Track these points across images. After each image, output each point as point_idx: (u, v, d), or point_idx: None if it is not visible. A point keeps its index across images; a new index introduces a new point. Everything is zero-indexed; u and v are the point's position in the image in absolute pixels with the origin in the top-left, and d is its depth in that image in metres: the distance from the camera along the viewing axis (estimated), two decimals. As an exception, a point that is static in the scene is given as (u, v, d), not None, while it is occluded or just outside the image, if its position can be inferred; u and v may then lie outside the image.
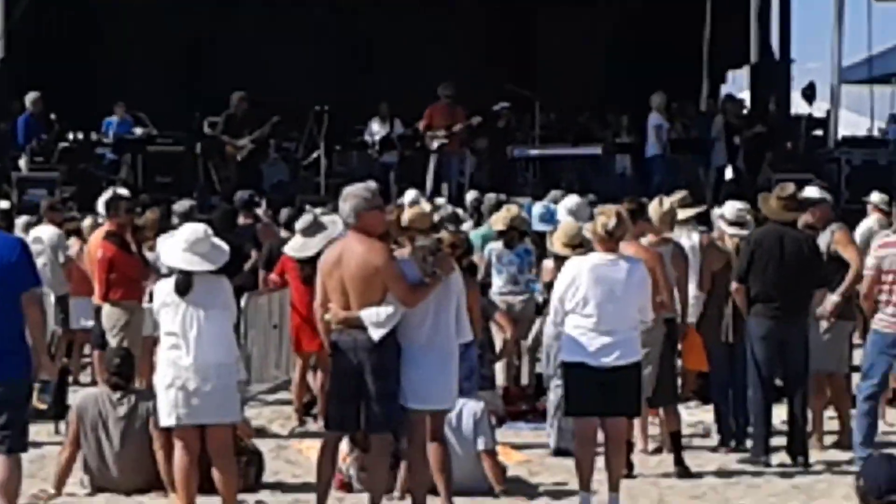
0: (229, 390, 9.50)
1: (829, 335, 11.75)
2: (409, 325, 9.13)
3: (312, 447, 10.23)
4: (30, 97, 22.64)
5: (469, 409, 10.25)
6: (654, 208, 11.94)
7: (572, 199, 15.02)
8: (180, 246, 9.50)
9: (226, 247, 9.73)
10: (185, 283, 9.34)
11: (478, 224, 15.59)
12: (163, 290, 9.50)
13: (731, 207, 12.84)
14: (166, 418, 9.39)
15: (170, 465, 9.59)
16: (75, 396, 11.38)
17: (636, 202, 11.60)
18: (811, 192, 12.58)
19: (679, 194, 13.09)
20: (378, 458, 9.49)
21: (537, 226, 14.70)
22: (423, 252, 9.33)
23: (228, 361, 9.51)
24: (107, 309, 13.23)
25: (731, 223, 12.51)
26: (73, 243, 15.22)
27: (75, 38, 26.17)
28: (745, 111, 24.11)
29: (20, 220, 15.43)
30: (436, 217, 10.33)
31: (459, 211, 16.31)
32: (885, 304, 10.96)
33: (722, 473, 11.29)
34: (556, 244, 11.45)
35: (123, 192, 15.71)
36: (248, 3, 26.57)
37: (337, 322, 9.14)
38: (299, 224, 12.98)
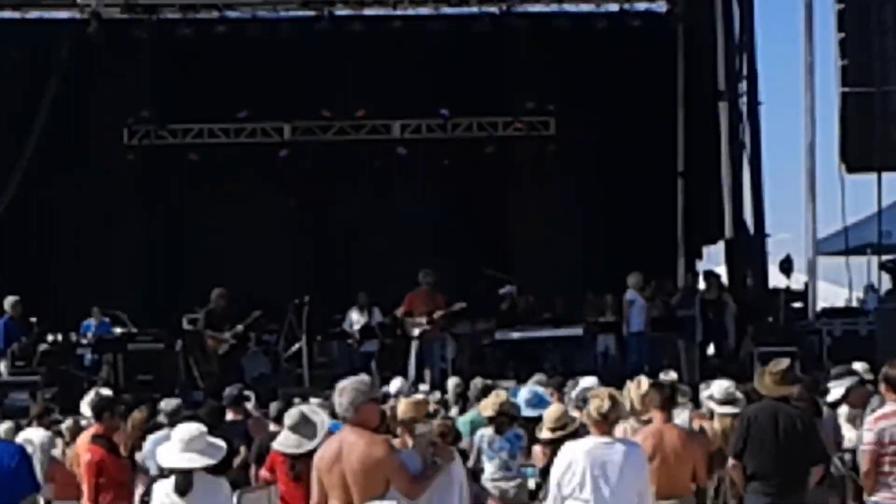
0: None
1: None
2: (412, 520, 9.09)
3: None
4: (9, 301, 22.63)
5: None
6: (632, 390, 11.98)
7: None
8: (177, 447, 9.51)
9: (222, 443, 9.75)
10: (184, 483, 9.33)
11: (463, 410, 15.49)
12: (161, 491, 9.47)
13: (718, 387, 12.88)
14: None
15: None
16: None
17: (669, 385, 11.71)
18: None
19: (670, 376, 13.14)
20: None
21: (526, 412, 14.62)
22: (425, 441, 9.33)
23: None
24: (97, 514, 13.12)
25: (721, 402, 12.54)
26: (58, 445, 15.10)
27: (46, 244, 26.21)
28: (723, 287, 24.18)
29: (3, 427, 15.25)
30: (431, 407, 10.29)
31: (448, 397, 16.23)
32: (888, 476, 10.86)
33: None
34: (543, 430, 11.42)
35: (107, 392, 15.67)
36: (222, 202, 26.63)
37: (338, 520, 9.09)
38: (288, 420, 12.89)
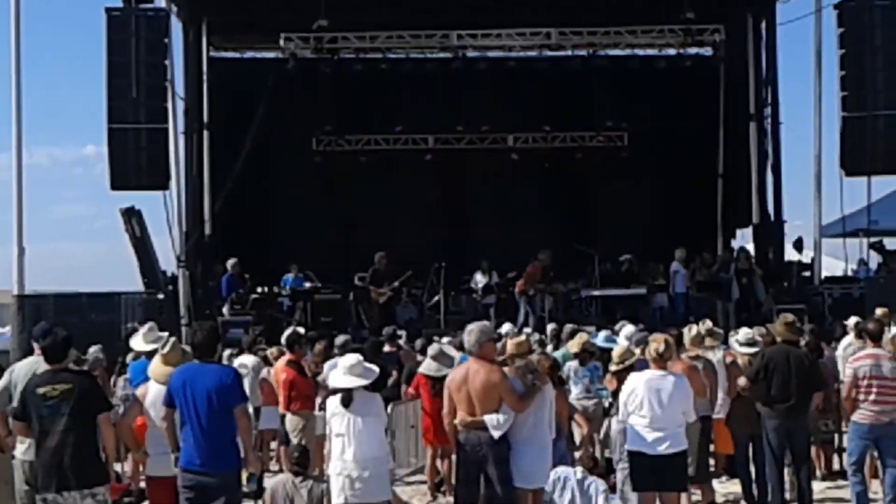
0: (383, 476, 9.56)
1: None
2: (516, 425, 9.13)
3: (444, 516, 10.19)
4: (230, 262, 23.01)
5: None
6: (685, 334, 11.97)
7: (629, 328, 14.99)
8: (342, 371, 9.63)
9: (375, 368, 9.85)
10: (347, 398, 9.45)
11: (556, 348, 15.51)
12: (332, 403, 9.62)
13: (743, 332, 12.82)
14: (336, 498, 9.41)
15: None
16: (268, 481, 11.39)
17: (678, 332, 11.61)
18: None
19: (707, 324, 13.05)
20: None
21: (602, 345, 14.59)
22: (524, 370, 9.37)
23: (382, 455, 9.59)
24: (289, 416, 13.30)
25: (743, 344, 12.46)
26: (263, 368, 15.32)
27: (258, 220, 26.53)
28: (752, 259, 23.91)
29: (225, 353, 15.50)
30: (529, 346, 10.28)
31: (544, 337, 16.23)
32: (862, 402, 10.84)
33: (749, 532, 11.13)
34: (612, 363, 11.42)
35: (301, 330, 15.84)
36: (383, 192, 26.78)
37: (465, 425, 9.14)
38: (430, 351, 13.02)
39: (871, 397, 10.84)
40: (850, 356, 11.72)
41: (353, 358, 9.87)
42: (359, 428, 9.41)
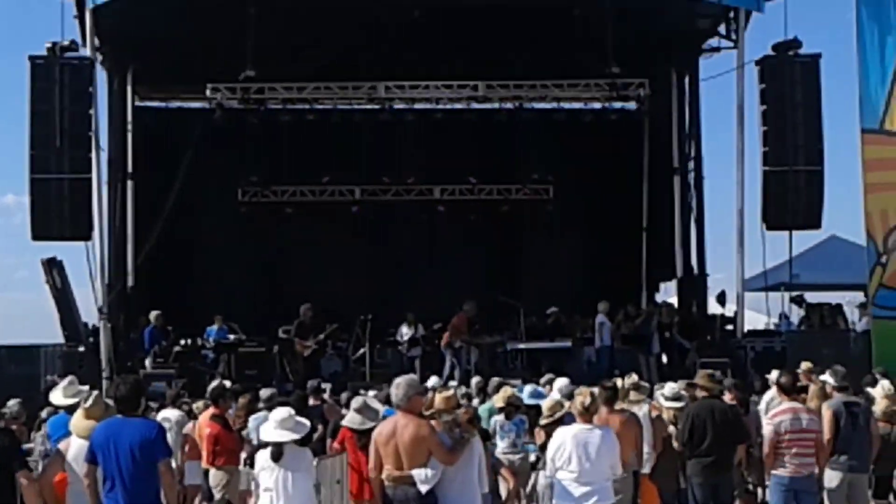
0: (312, 532, 9.49)
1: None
2: (444, 480, 9.10)
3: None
4: (153, 314, 22.78)
5: None
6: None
7: (561, 381, 15.06)
8: (273, 425, 9.58)
9: (306, 422, 9.82)
10: (278, 452, 9.39)
11: (482, 401, 15.49)
12: (262, 457, 9.57)
13: (669, 387, 12.91)
14: (264, 554, 9.34)
15: None
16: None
17: (612, 384, 11.68)
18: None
19: (633, 377, 13.15)
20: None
21: (528, 401, 14.61)
22: (451, 424, 9.36)
23: (310, 511, 9.52)
24: (213, 471, 13.17)
25: (669, 398, 12.55)
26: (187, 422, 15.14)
27: (181, 271, 26.32)
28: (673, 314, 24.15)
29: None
30: (456, 400, 10.28)
31: (471, 391, 16.21)
32: (784, 456, 10.99)
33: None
34: (543, 416, 11.44)
35: (227, 383, 15.69)
36: (309, 243, 26.73)
37: (392, 480, 9.10)
38: (354, 404, 12.93)
39: (793, 450, 11.00)
40: (769, 414, 11.85)
41: (284, 411, 9.84)
42: (288, 483, 9.38)
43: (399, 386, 9.29)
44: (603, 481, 9.81)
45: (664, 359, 23.28)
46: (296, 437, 9.58)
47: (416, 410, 9.21)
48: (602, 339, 22.97)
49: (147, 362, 21.94)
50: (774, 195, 22.73)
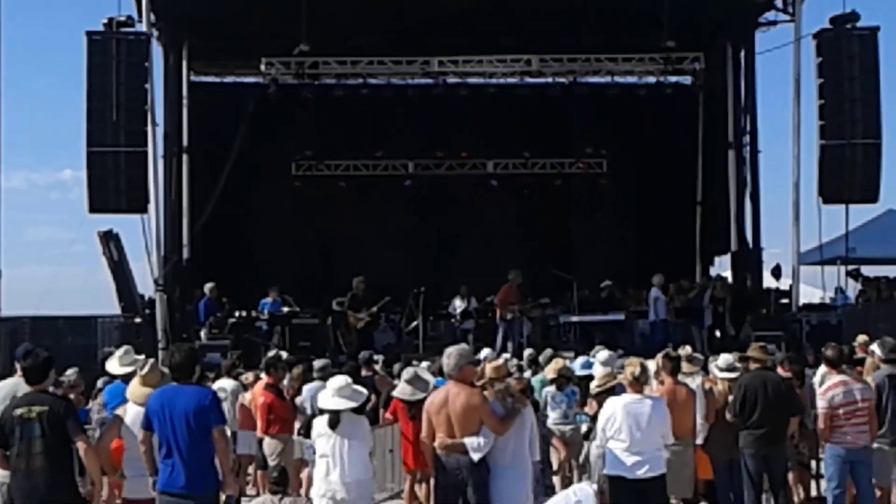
0: (367, 499, 9.57)
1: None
2: (496, 449, 9.12)
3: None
4: (208, 286, 22.95)
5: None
6: (658, 359, 12.00)
7: (604, 353, 15.03)
8: (330, 393, 9.63)
9: (363, 390, 9.87)
10: (335, 420, 9.45)
11: (535, 373, 15.51)
12: (319, 424, 9.62)
13: (723, 358, 12.84)
14: (321, 521, 9.42)
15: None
16: (248, 504, 11.36)
17: (676, 356, 11.68)
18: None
19: (686, 349, 13.10)
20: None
21: (579, 372, 14.62)
22: (503, 393, 9.36)
23: (367, 478, 9.59)
24: (267, 440, 13.29)
25: (723, 370, 12.49)
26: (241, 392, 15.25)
27: (236, 244, 26.48)
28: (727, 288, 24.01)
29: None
30: (508, 369, 10.27)
31: (522, 363, 16.21)
32: (839, 428, 10.93)
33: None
34: (594, 386, 11.44)
35: (282, 354, 15.80)
36: (362, 217, 26.81)
37: (444, 448, 9.13)
38: (405, 375, 13.00)
39: (849, 422, 10.94)
40: (821, 388, 11.76)
41: (341, 380, 9.90)
42: (345, 450, 9.43)
43: (451, 355, 9.31)
44: (654, 451, 9.78)
45: (717, 333, 23.18)
46: (353, 405, 9.63)
47: (467, 380, 9.23)
48: (656, 312, 22.87)
49: (202, 333, 22.13)
50: (831, 169, 22.54)
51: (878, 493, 11.35)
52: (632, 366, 10.02)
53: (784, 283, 24.69)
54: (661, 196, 27.06)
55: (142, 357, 11.05)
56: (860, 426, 10.97)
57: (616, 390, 10.63)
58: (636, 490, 9.70)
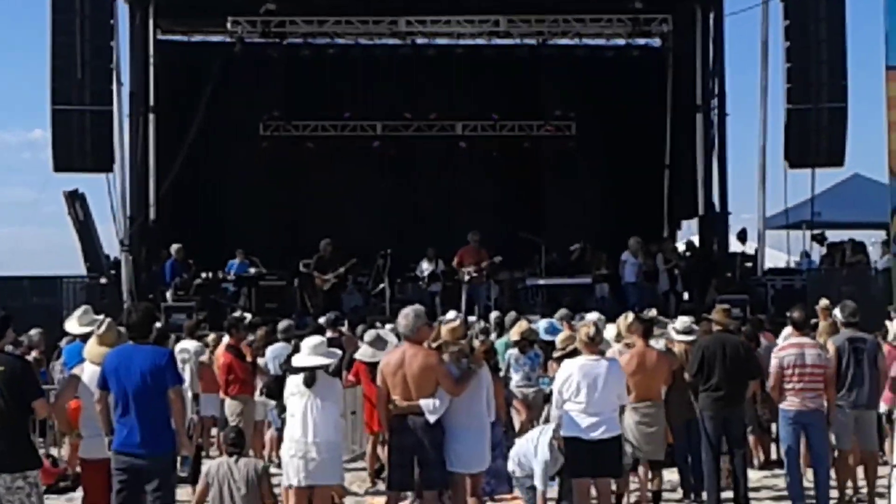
0: (336, 460, 9.63)
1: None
2: (452, 410, 9.18)
3: (381, 501, 10.21)
4: (174, 247, 22.89)
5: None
6: (620, 322, 12.11)
7: (562, 311, 15.18)
8: (306, 351, 9.64)
9: (338, 350, 9.90)
10: (311, 378, 9.47)
11: (500, 335, 15.57)
12: (293, 382, 9.64)
13: (680, 321, 12.94)
14: (289, 480, 9.46)
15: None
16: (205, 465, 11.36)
17: (649, 319, 11.79)
18: None
19: (652, 312, 13.21)
20: (430, 510, 9.50)
21: (544, 336, 14.70)
22: (458, 354, 9.42)
23: (337, 439, 9.65)
24: (227, 401, 13.37)
25: (680, 332, 12.58)
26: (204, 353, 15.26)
27: (203, 205, 26.39)
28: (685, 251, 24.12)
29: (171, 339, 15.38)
30: (470, 331, 10.31)
31: (488, 325, 16.23)
32: (789, 390, 11.04)
33: (685, 519, 11.26)
34: (556, 350, 11.52)
35: (244, 315, 15.80)
36: (330, 178, 26.75)
37: (400, 409, 9.18)
38: (367, 337, 13.06)
39: (798, 385, 11.05)
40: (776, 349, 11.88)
41: (316, 338, 9.95)
42: (317, 410, 9.45)
43: (407, 316, 9.36)
44: (610, 411, 9.86)
45: (686, 296, 23.28)
46: (328, 362, 9.66)
47: (423, 340, 9.28)
48: (626, 275, 22.92)
49: (168, 295, 22.06)
50: (797, 133, 22.63)
51: (840, 455, 11.47)
52: (586, 327, 10.09)
53: (750, 248, 24.82)
54: (629, 159, 27.04)
55: (101, 316, 11.02)
56: (811, 390, 11.08)
57: (576, 353, 10.68)
58: (592, 451, 9.78)
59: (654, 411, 11.23)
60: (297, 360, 9.86)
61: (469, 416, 9.26)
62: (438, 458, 9.10)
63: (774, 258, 26.14)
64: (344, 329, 16.54)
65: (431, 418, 9.06)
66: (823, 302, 14.73)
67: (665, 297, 22.79)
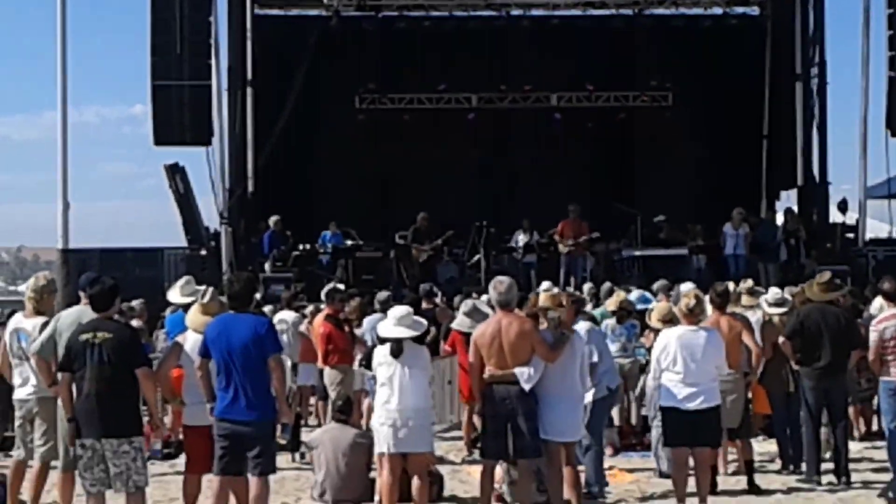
0: (426, 428, 9.70)
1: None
2: (547, 378, 9.19)
3: (477, 471, 10.25)
4: (272, 219, 23.13)
5: None
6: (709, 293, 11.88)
7: (661, 282, 15.07)
8: (392, 322, 9.71)
9: (424, 321, 9.95)
10: (398, 348, 9.54)
11: (595, 306, 15.50)
12: (380, 352, 9.72)
13: (772, 292, 12.81)
14: (379, 447, 9.55)
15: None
16: (307, 434, 11.52)
17: (723, 290, 11.54)
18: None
19: (748, 283, 13.07)
20: (525, 478, 9.54)
21: (638, 306, 14.62)
22: (555, 322, 9.41)
23: (426, 406, 9.71)
24: (327, 370, 13.48)
25: (772, 304, 12.42)
26: (303, 323, 15.42)
27: (300, 177, 26.60)
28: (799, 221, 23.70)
29: (266, 308, 15.61)
30: (562, 299, 10.25)
31: (585, 296, 16.17)
32: (891, 362, 10.82)
33: (784, 491, 11.15)
34: (653, 319, 11.42)
35: (339, 286, 15.94)
36: (426, 151, 26.78)
37: (494, 378, 9.21)
38: (464, 308, 13.08)
39: (899, 357, 10.85)
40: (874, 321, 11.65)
41: (402, 309, 9.99)
42: (406, 378, 9.51)
43: (502, 283, 9.38)
44: (709, 381, 9.79)
45: (787, 267, 22.93)
46: (413, 333, 9.70)
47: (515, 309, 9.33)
48: (727, 247, 22.61)
49: (266, 266, 22.32)
50: (900, 102, 22.16)
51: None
52: (687, 297, 10.02)
53: (851, 218, 24.41)
54: (727, 129, 26.75)
55: (202, 287, 11.18)
56: (912, 360, 10.87)
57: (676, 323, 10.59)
58: (690, 422, 9.73)
59: (732, 380, 10.96)
60: (381, 331, 9.94)
61: (563, 384, 9.25)
62: (532, 426, 9.12)
63: (876, 228, 25.67)
64: (438, 300, 16.60)
65: (526, 387, 9.07)
66: (926, 271, 14.45)
67: (783, 268, 22.31)
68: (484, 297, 14.95)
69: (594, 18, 27.55)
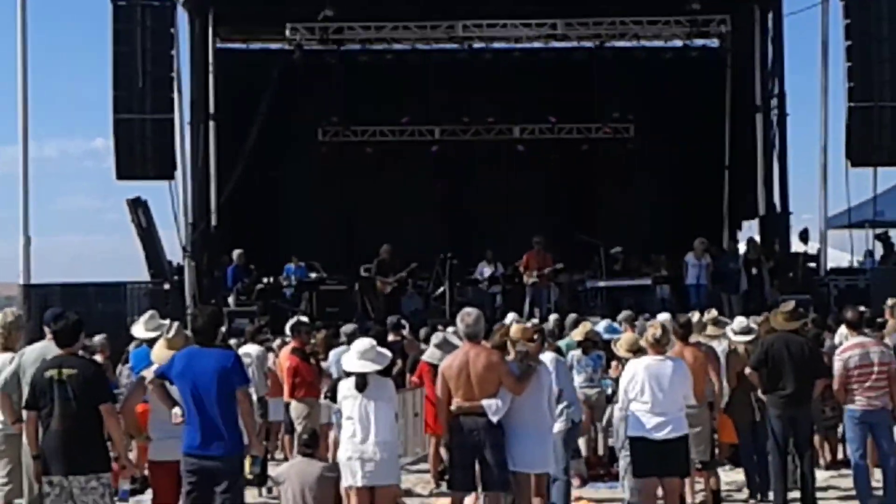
0: (393, 461, 9.64)
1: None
2: (515, 410, 9.18)
3: (445, 503, 10.20)
4: (236, 253, 23.07)
5: None
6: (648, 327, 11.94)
7: (625, 312, 15.13)
8: (355, 356, 9.67)
9: (388, 353, 9.92)
10: (362, 382, 9.50)
11: (560, 337, 15.51)
12: (345, 386, 9.68)
13: (738, 321, 12.87)
14: (347, 482, 9.50)
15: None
16: (274, 469, 11.43)
17: (686, 321, 11.61)
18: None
19: (712, 313, 13.12)
20: (495, 511, 9.49)
21: (606, 336, 14.66)
22: (522, 354, 9.43)
23: (392, 439, 9.67)
24: (294, 404, 13.40)
25: (738, 332, 12.49)
26: (269, 357, 15.36)
27: (263, 211, 26.56)
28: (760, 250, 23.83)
29: (231, 342, 15.54)
30: (533, 333, 10.27)
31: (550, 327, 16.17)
32: (855, 390, 10.92)
33: (752, 520, 11.19)
34: (620, 349, 11.45)
35: (304, 319, 15.90)
36: (389, 183, 26.82)
37: (461, 410, 9.20)
38: (434, 339, 13.07)
39: (864, 384, 10.98)
40: (840, 348, 11.75)
41: (365, 342, 9.93)
42: (372, 412, 9.47)
43: (469, 315, 9.38)
44: (677, 411, 9.83)
45: (749, 297, 23.04)
46: (377, 367, 9.66)
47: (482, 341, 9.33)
48: (689, 277, 22.71)
49: (230, 300, 22.26)
50: (859, 131, 22.38)
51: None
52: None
53: (812, 248, 24.59)
54: (688, 160, 26.97)
55: (167, 321, 11.11)
56: (877, 389, 10.99)
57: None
58: (659, 451, 9.76)
59: (697, 412, 11.00)
60: (346, 365, 9.92)
61: (531, 415, 9.25)
62: (500, 458, 9.10)
63: (837, 258, 25.88)
64: (405, 332, 16.58)
65: (494, 418, 9.07)
66: (891, 300, 14.63)
67: (745, 298, 22.42)
68: (450, 329, 15.00)
69: (556, 51, 27.71)
